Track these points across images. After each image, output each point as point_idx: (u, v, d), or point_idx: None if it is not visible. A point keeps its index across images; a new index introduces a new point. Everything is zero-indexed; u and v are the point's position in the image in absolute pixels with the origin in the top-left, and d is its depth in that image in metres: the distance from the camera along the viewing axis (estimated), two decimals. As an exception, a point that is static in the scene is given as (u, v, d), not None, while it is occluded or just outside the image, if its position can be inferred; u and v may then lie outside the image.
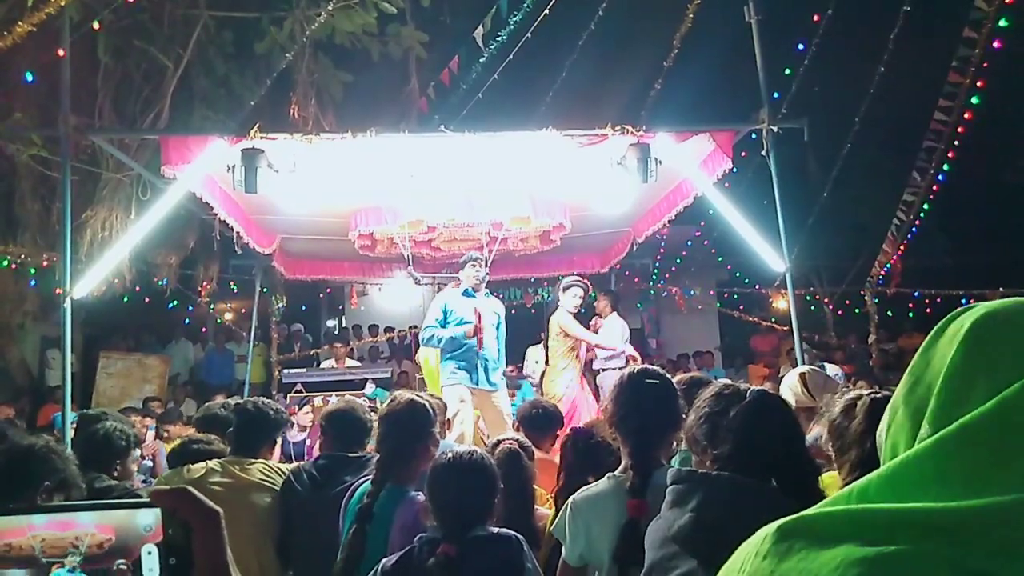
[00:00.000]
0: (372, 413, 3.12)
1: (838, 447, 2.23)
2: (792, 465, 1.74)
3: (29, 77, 6.51)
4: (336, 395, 6.20)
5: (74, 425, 4.12)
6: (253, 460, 3.04)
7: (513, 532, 2.20)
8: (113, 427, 3.12)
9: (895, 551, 0.49)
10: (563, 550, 2.23)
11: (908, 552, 0.49)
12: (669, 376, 2.37)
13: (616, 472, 2.23)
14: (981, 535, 0.50)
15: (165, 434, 6.51)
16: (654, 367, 2.43)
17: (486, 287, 5.86)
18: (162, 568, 0.69)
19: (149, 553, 0.69)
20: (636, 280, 12.01)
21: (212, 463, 3.00)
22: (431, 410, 2.70)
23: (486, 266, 5.88)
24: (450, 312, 5.66)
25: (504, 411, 5.65)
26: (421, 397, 2.76)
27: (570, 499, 2.23)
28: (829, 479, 2.55)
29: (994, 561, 0.49)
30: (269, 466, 3.08)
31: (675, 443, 2.36)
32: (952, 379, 0.59)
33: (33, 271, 8.12)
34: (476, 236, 6.83)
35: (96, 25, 6.28)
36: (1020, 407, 0.54)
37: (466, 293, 5.73)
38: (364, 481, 2.67)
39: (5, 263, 7.83)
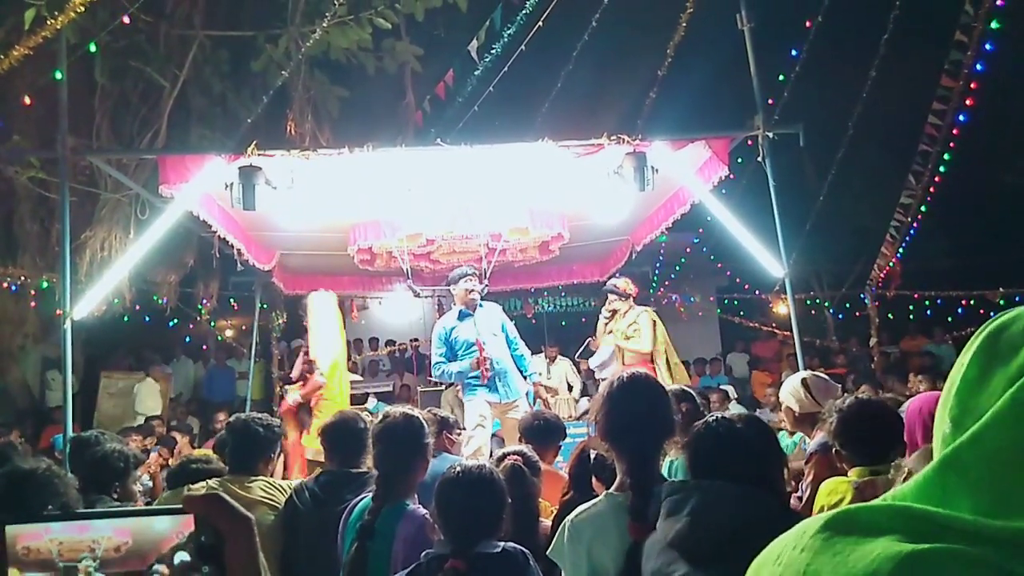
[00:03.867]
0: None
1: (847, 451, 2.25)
2: (761, 472, 1.79)
3: (27, 100, 6.54)
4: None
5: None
6: (254, 478, 3.03)
7: (520, 547, 2.19)
8: (112, 449, 3.12)
9: (937, 549, 0.48)
10: (563, 575, 2.13)
11: (951, 552, 0.48)
12: (657, 380, 2.31)
13: (613, 490, 2.12)
14: None
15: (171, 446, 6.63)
16: (643, 372, 2.35)
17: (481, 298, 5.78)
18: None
19: (182, 561, 0.69)
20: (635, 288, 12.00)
21: (212, 482, 2.99)
22: (425, 423, 2.71)
23: (486, 278, 5.88)
24: (454, 340, 5.60)
25: None
26: (413, 410, 2.77)
27: (566, 521, 2.12)
28: (831, 485, 2.55)
29: None
30: (271, 483, 3.07)
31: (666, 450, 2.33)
32: (969, 371, 0.58)
33: (33, 292, 8.13)
34: (475, 248, 6.83)
35: (93, 47, 6.31)
36: None
37: (462, 315, 5.67)
38: (363, 498, 2.66)
39: (5, 285, 7.84)
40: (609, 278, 7.73)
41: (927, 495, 0.55)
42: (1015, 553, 0.48)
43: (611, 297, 6.41)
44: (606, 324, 6.59)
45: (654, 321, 6.24)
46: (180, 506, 0.71)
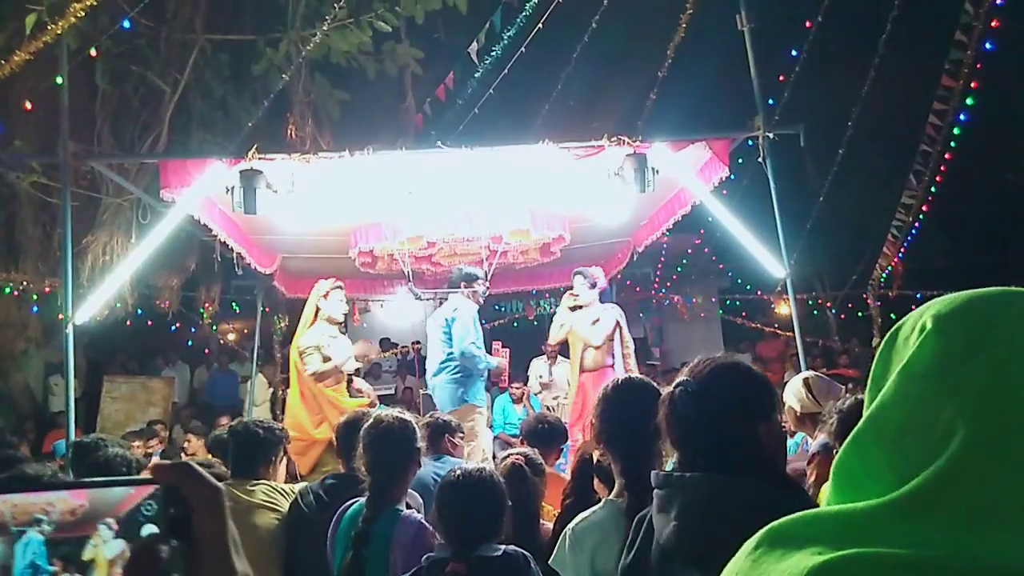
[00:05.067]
0: None
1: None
2: (746, 450, 1.59)
3: (28, 105, 6.55)
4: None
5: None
6: (256, 482, 3.02)
7: (520, 549, 2.19)
8: (114, 454, 3.12)
9: (843, 557, 0.51)
10: None
11: (857, 557, 0.50)
12: (654, 383, 2.26)
13: (613, 495, 2.11)
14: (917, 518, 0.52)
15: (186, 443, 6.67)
16: (638, 376, 2.34)
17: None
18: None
19: (150, 534, 0.67)
20: (637, 289, 12.01)
21: (215, 486, 2.98)
22: (417, 427, 2.72)
23: (486, 281, 5.90)
24: (478, 334, 5.60)
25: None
26: (404, 414, 2.75)
27: (567, 529, 2.10)
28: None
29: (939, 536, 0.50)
30: (273, 487, 3.06)
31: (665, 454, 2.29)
32: (876, 370, 0.63)
33: (35, 297, 8.14)
34: (476, 250, 6.84)
35: (94, 52, 6.33)
36: (912, 391, 0.57)
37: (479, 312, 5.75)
38: (351, 505, 2.64)
39: (7, 290, 7.85)
40: (611, 280, 7.74)
41: (847, 483, 0.58)
42: (902, 531, 0.51)
43: (578, 280, 5.92)
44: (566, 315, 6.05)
45: (617, 321, 5.86)
46: (146, 476, 0.69)
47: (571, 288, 6.12)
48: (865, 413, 0.60)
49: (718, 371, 1.66)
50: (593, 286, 5.91)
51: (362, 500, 2.59)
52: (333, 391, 5.19)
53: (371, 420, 2.70)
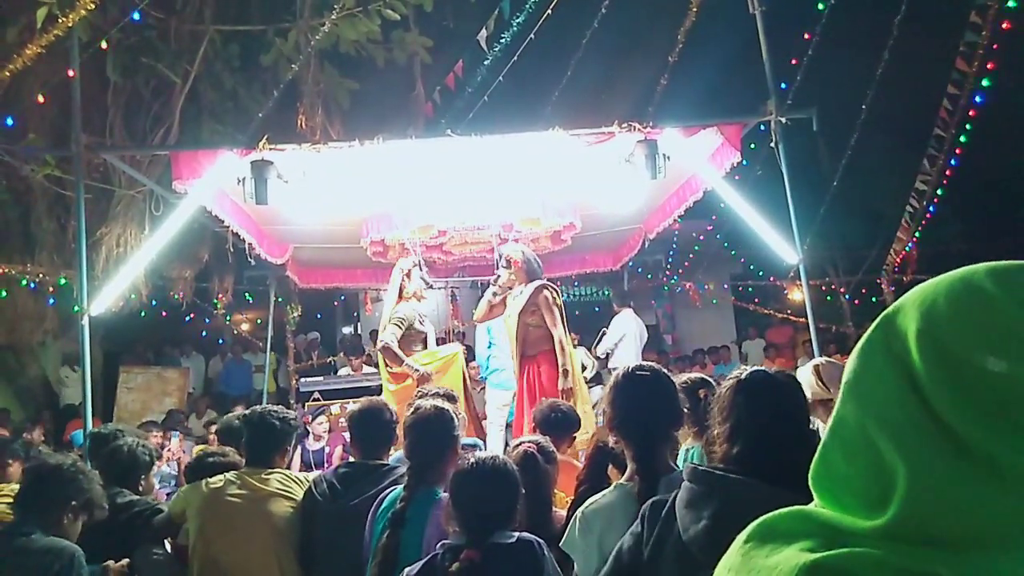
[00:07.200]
0: None
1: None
2: (804, 460, 1.55)
3: (41, 98, 6.58)
4: (354, 402, 6.22)
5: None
6: (271, 470, 3.05)
7: (534, 536, 2.21)
8: (136, 443, 3.16)
9: (833, 556, 0.50)
10: (575, 567, 2.12)
11: (846, 556, 0.50)
12: (664, 370, 2.27)
13: (623, 480, 2.15)
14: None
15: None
16: (648, 363, 2.34)
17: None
18: None
19: None
20: (649, 277, 11.98)
21: (230, 475, 3.02)
22: (455, 415, 2.79)
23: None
24: None
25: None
26: (444, 403, 2.84)
27: (578, 512, 2.14)
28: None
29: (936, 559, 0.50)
30: (287, 476, 3.09)
31: (679, 440, 2.29)
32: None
33: (51, 289, 8.22)
34: (487, 239, 6.83)
35: (104, 44, 6.35)
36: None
37: None
38: (391, 490, 2.70)
39: (24, 282, 7.93)
40: (623, 267, 7.66)
41: (824, 489, 0.59)
42: (895, 547, 0.51)
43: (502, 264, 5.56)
44: (496, 296, 5.65)
45: (534, 297, 5.35)
46: None
47: (584, 274, 6.20)
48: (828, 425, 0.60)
49: (792, 377, 1.76)
50: (508, 265, 5.54)
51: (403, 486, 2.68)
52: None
53: (412, 408, 2.84)
